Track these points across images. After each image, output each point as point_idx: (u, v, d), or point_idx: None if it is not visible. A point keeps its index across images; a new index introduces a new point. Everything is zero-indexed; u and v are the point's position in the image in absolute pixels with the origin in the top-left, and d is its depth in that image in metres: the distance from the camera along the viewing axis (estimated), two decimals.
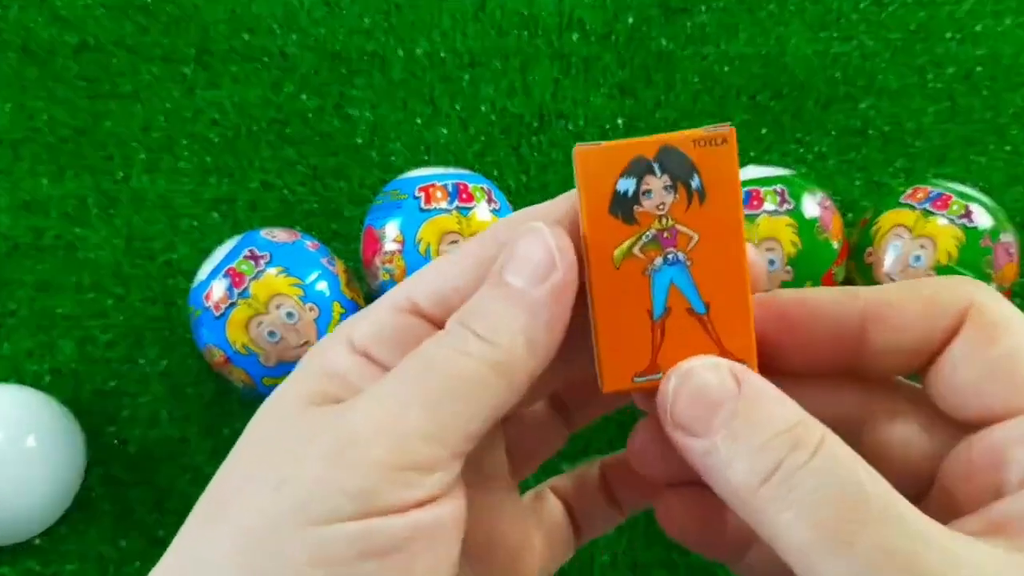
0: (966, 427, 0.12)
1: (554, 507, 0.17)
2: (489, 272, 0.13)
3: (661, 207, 0.13)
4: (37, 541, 0.31)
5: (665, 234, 0.13)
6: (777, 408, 0.12)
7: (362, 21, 0.38)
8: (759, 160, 0.37)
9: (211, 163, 0.36)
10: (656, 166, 0.13)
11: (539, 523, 0.16)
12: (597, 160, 0.13)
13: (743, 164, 0.35)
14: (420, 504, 0.11)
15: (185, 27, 0.38)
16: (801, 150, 0.37)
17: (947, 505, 0.12)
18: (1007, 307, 0.12)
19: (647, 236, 0.13)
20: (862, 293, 0.13)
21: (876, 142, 0.37)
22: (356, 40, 0.38)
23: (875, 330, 0.13)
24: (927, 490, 0.13)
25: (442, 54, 0.38)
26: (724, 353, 0.13)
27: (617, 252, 0.13)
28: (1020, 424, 0.11)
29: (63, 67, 0.37)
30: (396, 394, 0.12)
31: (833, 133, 0.37)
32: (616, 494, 0.17)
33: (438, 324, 0.13)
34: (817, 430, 0.11)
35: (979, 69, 0.38)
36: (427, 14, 0.38)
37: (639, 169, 0.13)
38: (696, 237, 0.13)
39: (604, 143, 0.13)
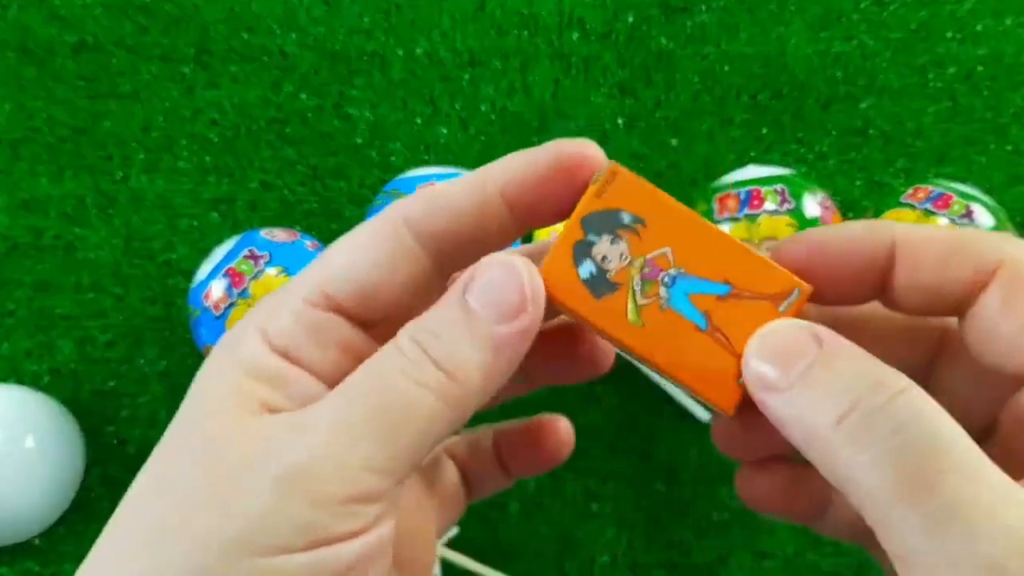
0: (1015, 380, 0.12)
1: (450, 472, 0.18)
2: (449, 286, 0.13)
3: (623, 257, 0.13)
4: (36, 541, 0.31)
5: (646, 270, 0.13)
6: (858, 358, 0.12)
7: (362, 20, 0.38)
8: (759, 160, 0.36)
9: (210, 163, 0.36)
10: (591, 237, 0.13)
11: (435, 490, 0.17)
12: (554, 277, 0.13)
13: (744, 163, 0.35)
14: (366, 530, 0.12)
15: (184, 27, 0.38)
16: (802, 150, 0.37)
17: (1007, 458, 0.12)
18: None
19: (636, 284, 0.13)
20: (897, 228, 0.13)
21: (877, 142, 0.37)
22: (356, 39, 0.38)
23: (900, 265, 0.13)
24: (986, 440, 0.13)
25: (442, 54, 0.38)
26: (777, 298, 0.13)
27: (631, 316, 0.13)
28: (987, 307, 0.11)
29: (62, 67, 0.37)
30: (347, 421, 0.12)
31: (834, 133, 0.37)
32: (507, 462, 0.18)
33: (355, 319, 0.13)
34: (900, 378, 0.11)
35: (980, 69, 0.38)
36: (427, 13, 0.38)
37: (583, 251, 0.13)
38: (668, 249, 0.13)
39: (543, 261, 0.13)
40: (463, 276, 0.13)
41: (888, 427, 0.11)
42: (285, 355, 0.13)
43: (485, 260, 0.13)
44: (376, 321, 0.13)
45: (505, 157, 0.13)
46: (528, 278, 0.13)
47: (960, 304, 0.12)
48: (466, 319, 0.12)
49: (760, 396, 0.12)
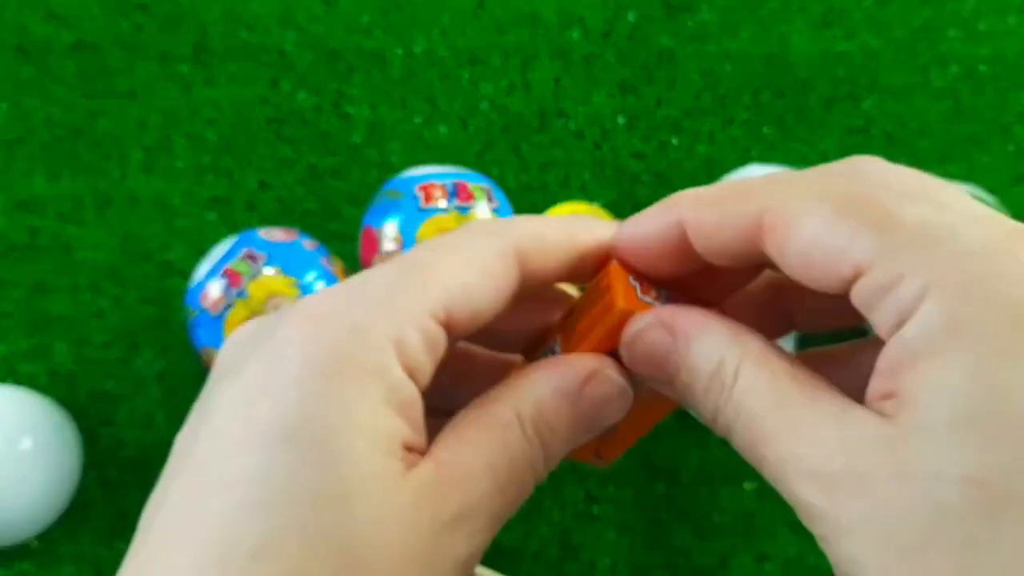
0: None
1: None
2: (566, 377, 0.13)
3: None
4: (33, 543, 0.31)
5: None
6: (704, 346, 0.13)
7: (360, 19, 0.38)
8: (762, 159, 0.36)
9: (208, 162, 0.36)
10: None
11: None
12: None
13: (746, 163, 0.35)
14: None
15: (182, 25, 0.37)
16: (804, 149, 0.37)
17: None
18: (800, 203, 0.12)
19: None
20: (683, 206, 0.14)
21: (879, 141, 0.37)
22: (354, 38, 0.37)
23: (694, 238, 0.14)
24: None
25: (441, 52, 0.37)
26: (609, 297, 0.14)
27: None
28: (861, 290, 0.12)
29: (59, 66, 0.37)
30: (498, 516, 0.13)
31: (836, 132, 0.37)
32: None
33: (452, 333, 0.13)
34: (733, 359, 0.13)
35: (983, 68, 0.38)
36: (426, 11, 0.38)
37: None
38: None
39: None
40: (581, 369, 0.14)
41: (733, 412, 0.13)
42: (412, 375, 0.12)
43: (603, 374, 0.14)
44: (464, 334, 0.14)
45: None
46: (628, 389, 0.14)
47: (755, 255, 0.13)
48: (575, 419, 0.13)
49: (658, 388, 0.14)
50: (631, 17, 0.38)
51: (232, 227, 0.35)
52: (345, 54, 0.37)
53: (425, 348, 0.12)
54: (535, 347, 0.16)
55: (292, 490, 0.10)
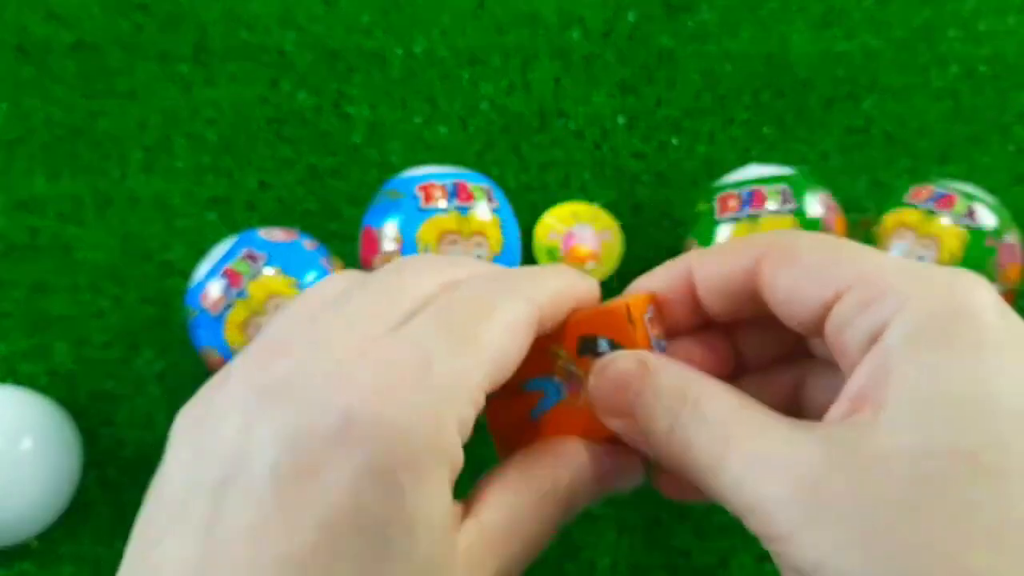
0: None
1: None
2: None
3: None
4: (33, 543, 0.31)
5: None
6: (671, 372, 0.14)
7: (360, 19, 0.38)
8: (761, 159, 0.36)
9: (208, 162, 0.36)
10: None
11: None
12: None
13: (746, 163, 0.35)
14: None
15: (182, 25, 0.37)
16: (804, 149, 0.37)
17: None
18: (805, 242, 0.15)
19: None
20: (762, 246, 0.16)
21: (879, 141, 0.37)
22: (354, 38, 0.38)
23: (699, 285, 0.16)
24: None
25: (441, 52, 0.37)
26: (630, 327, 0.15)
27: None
28: (839, 310, 0.13)
29: (59, 66, 0.37)
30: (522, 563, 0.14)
31: (836, 132, 0.37)
32: None
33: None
34: (696, 382, 0.14)
35: (983, 68, 0.38)
36: (426, 11, 0.38)
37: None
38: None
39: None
40: (615, 470, 0.16)
41: (693, 433, 0.14)
42: (462, 437, 0.13)
43: (636, 464, 0.16)
44: None
45: (639, 280, 0.16)
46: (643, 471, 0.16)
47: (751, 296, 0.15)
48: (599, 493, 0.15)
49: (613, 425, 0.15)
50: (631, 17, 0.38)
51: (232, 227, 0.35)
52: (345, 54, 0.37)
53: (475, 416, 0.13)
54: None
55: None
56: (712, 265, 0.15)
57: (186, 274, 0.34)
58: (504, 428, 0.16)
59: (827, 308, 0.13)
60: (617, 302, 0.15)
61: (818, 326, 0.14)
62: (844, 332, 0.13)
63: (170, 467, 0.13)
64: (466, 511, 0.14)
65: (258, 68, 0.37)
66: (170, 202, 0.35)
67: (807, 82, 0.37)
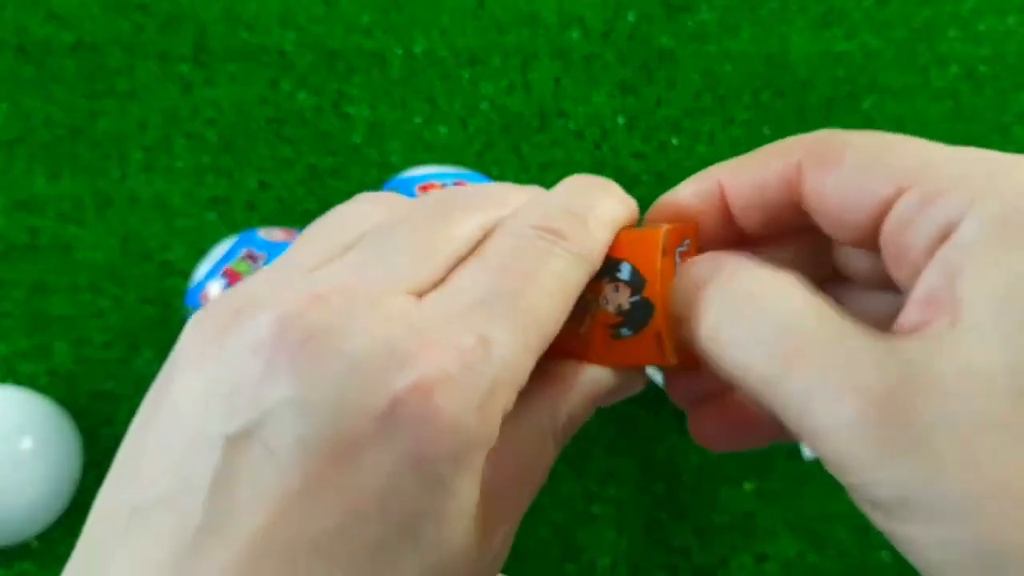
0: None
1: None
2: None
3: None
4: (33, 543, 0.31)
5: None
6: (745, 277, 0.12)
7: (360, 19, 0.38)
8: None
9: (208, 162, 0.36)
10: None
11: None
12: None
13: None
14: None
15: (182, 25, 0.37)
16: None
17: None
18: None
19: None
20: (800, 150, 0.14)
21: None
22: (354, 38, 0.38)
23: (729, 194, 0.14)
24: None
25: (441, 52, 0.37)
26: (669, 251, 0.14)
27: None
28: (900, 208, 0.11)
29: (59, 66, 0.37)
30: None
31: None
32: None
33: None
34: (785, 274, 0.12)
35: (983, 68, 0.38)
36: (426, 11, 0.38)
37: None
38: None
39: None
40: (610, 391, 0.14)
41: (756, 326, 0.12)
42: None
43: (630, 388, 0.15)
44: None
45: (666, 194, 0.15)
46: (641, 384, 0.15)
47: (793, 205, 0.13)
48: (595, 405, 0.14)
49: (685, 333, 0.13)
50: (631, 17, 0.38)
51: (232, 227, 0.35)
52: (345, 54, 0.37)
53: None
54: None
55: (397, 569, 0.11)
56: (746, 175, 0.13)
57: (186, 274, 0.34)
58: None
59: (885, 208, 0.11)
60: (654, 228, 0.13)
61: (872, 233, 0.12)
62: (906, 232, 0.11)
63: (174, 389, 0.11)
64: None
65: (258, 68, 0.37)
66: (170, 202, 0.35)
67: (807, 82, 0.37)
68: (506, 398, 0.11)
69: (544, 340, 0.12)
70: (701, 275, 0.13)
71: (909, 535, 0.10)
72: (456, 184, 0.30)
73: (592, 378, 0.14)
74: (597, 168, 0.36)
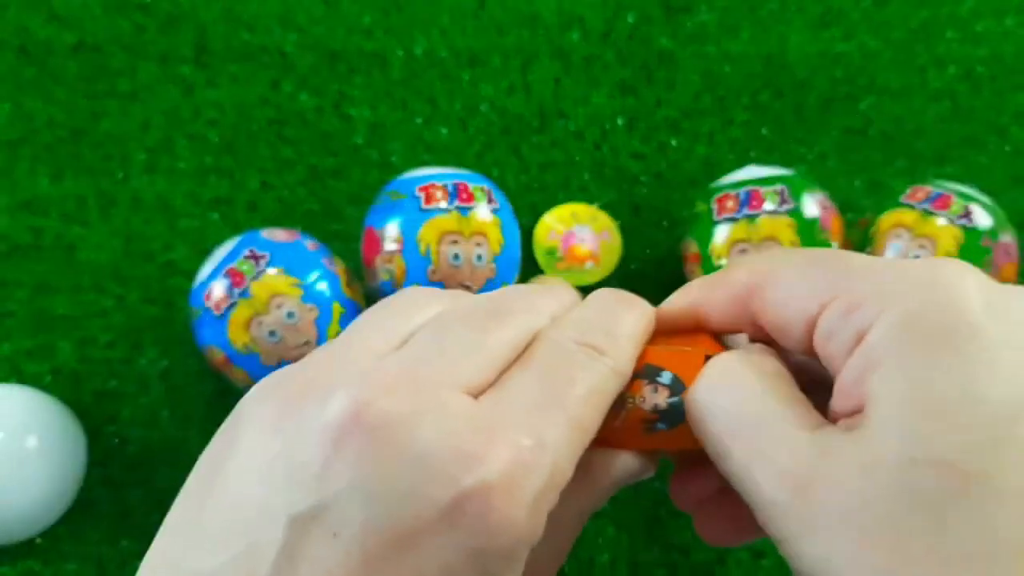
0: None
1: None
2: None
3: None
4: (37, 541, 0.31)
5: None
6: (720, 361, 0.15)
7: (361, 20, 0.38)
8: (760, 160, 0.36)
9: (210, 163, 0.36)
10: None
11: None
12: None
13: (745, 163, 0.35)
14: None
15: (183, 26, 0.38)
16: (802, 149, 0.37)
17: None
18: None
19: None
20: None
21: (877, 142, 0.37)
22: (355, 39, 0.38)
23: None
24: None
25: (442, 53, 0.38)
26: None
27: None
28: (824, 321, 0.13)
29: (61, 67, 0.37)
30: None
31: (834, 133, 0.37)
32: None
33: None
34: (736, 365, 0.14)
35: (980, 69, 0.38)
36: (426, 12, 0.38)
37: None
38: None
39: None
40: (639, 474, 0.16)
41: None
42: None
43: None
44: None
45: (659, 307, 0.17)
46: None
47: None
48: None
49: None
50: (630, 18, 0.38)
51: (234, 227, 0.35)
52: (346, 55, 0.37)
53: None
54: None
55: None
56: (716, 299, 0.15)
57: (189, 274, 0.34)
58: None
59: (812, 323, 0.13)
60: (694, 348, 0.15)
61: (808, 343, 0.14)
62: (830, 342, 0.13)
63: (240, 457, 0.12)
64: None
65: (259, 69, 0.37)
66: (173, 203, 0.35)
67: (805, 83, 0.37)
68: (554, 497, 0.12)
69: (586, 443, 0.13)
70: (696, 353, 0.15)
71: None
72: (457, 185, 0.31)
73: (623, 465, 0.16)
74: (597, 168, 0.36)
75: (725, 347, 0.16)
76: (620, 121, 0.37)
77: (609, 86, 0.37)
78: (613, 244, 0.34)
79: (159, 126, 0.36)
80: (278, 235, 0.30)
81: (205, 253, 0.31)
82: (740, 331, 0.16)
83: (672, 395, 0.15)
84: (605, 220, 0.35)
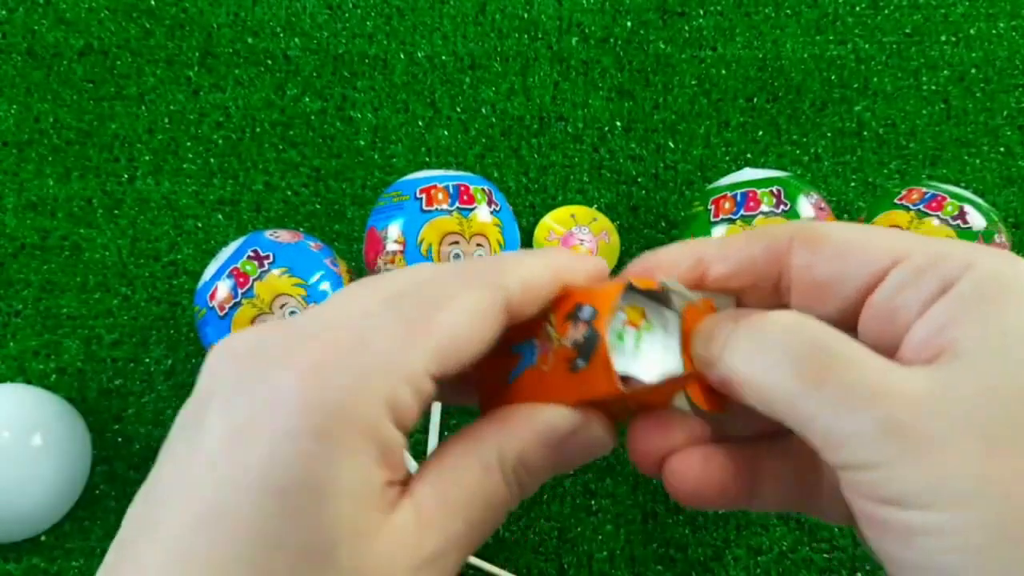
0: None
1: None
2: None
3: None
4: (43, 538, 0.31)
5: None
6: (771, 314, 0.14)
7: (364, 25, 0.39)
8: (755, 162, 0.37)
9: (215, 165, 0.36)
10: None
11: None
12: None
13: (740, 167, 0.36)
14: None
15: (189, 30, 0.38)
16: (797, 152, 0.37)
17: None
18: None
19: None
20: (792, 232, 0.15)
21: (871, 144, 0.37)
22: (358, 43, 0.38)
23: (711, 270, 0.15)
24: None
25: (443, 57, 0.38)
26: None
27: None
28: (898, 274, 0.13)
29: (68, 70, 0.37)
30: (465, 548, 0.13)
31: (828, 135, 0.37)
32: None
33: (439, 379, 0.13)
34: (791, 313, 0.14)
35: (973, 71, 0.38)
36: (428, 17, 0.39)
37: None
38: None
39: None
40: (568, 422, 0.14)
41: (785, 344, 0.13)
42: (401, 425, 0.13)
43: (589, 430, 0.14)
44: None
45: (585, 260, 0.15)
46: (610, 440, 0.15)
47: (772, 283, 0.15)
48: (555, 465, 0.14)
49: (706, 370, 0.14)
50: (628, 23, 0.39)
51: (239, 228, 0.35)
52: (349, 59, 0.38)
53: (416, 401, 0.13)
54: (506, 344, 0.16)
55: (282, 544, 0.11)
56: (733, 251, 0.15)
57: (193, 274, 0.34)
58: (486, 391, 0.16)
59: (877, 278, 0.13)
60: (620, 280, 0.15)
61: (856, 302, 0.13)
62: (901, 294, 0.13)
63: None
64: (405, 490, 0.13)
65: (264, 73, 0.38)
66: (178, 204, 0.36)
67: (800, 86, 0.38)
68: (388, 390, 0.12)
69: (443, 350, 0.13)
70: (729, 316, 0.14)
71: (911, 523, 0.11)
72: (458, 186, 0.31)
73: (545, 419, 0.14)
74: (595, 170, 0.37)
75: (715, 308, 0.15)
76: (618, 124, 0.37)
77: (607, 90, 0.38)
78: (612, 245, 0.35)
79: (165, 128, 0.37)
80: (282, 236, 0.30)
81: (210, 253, 0.31)
82: (738, 289, 0.15)
83: (587, 327, 0.14)
84: (604, 221, 0.35)
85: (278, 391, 0.12)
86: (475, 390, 0.16)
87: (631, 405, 0.15)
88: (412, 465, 0.28)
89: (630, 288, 0.15)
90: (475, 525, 0.13)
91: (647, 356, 0.14)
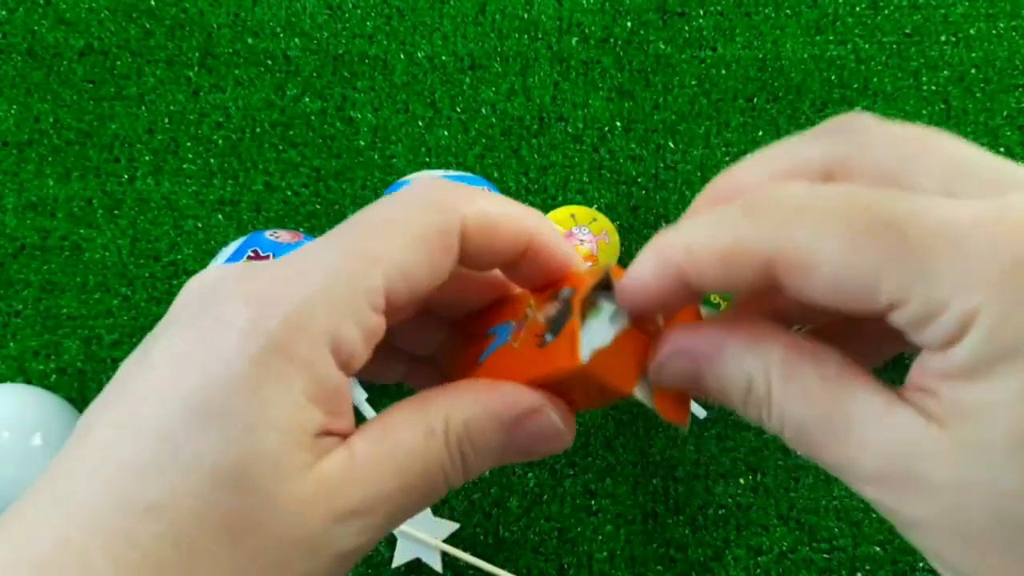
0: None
1: None
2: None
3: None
4: None
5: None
6: (729, 368, 0.13)
7: (364, 25, 0.39)
8: None
9: (215, 165, 0.36)
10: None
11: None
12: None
13: None
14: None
15: (189, 31, 0.38)
16: None
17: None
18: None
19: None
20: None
21: None
22: (358, 44, 0.38)
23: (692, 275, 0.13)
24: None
25: (443, 57, 0.38)
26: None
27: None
28: (902, 315, 0.11)
29: (68, 70, 0.37)
30: (397, 513, 0.13)
31: None
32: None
33: (389, 315, 0.13)
34: (760, 375, 0.13)
35: (973, 72, 0.38)
36: (428, 18, 0.39)
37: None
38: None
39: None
40: (523, 402, 0.13)
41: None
42: (345, 365, 0.12)
43: (544, 414, 0.13)
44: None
45: (627, 273, 0.14)
46: (567, 433, 0.14)
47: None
48: (504, 446, 0.13)
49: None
50: (628, 23, 0.39)
51: (239, 228, 0.35)
52: (349, 60, 0.38)
53: (362, 339, 0.12)
54: (481, 318, 0.16)
55: (198, 463, 0.11)
56: (711, 276, 0.12)
57: (193, 274, 0.34)
58: (455, 372, 0.15)
59: (883, 313, 0.11)
60: (603, 266, 0.14)
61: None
62: (914, 334, 0.11)
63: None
64: (343, 442, 0.12)
65: (264, 73, 0.38)
66: (178, 204, 0.36)
67: (800, 87, 0.38)
68: (325, 320, 0.12)
69: (388, 276, 0.12)
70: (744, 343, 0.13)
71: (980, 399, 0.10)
72: None
73: (500, 393, 0.13)
74: (595, 171, 0.37)
75: (700, 316, 0.14)
76: (618, 124, 0.37)
77: (607, 90, 0.38)
78: (612, 245, 0.35)
79: (165, 129, 0.37)
80: (282, 236, 0.31)
81: (210, 254, 0.32)
82: (729, 290, 0.13)
83: (564, 304, 0.13)
84: (604, 221, 0.35)
85: (223, 319, 0.12)
86: (442, 368, 0.16)
87: (592, 391, 0.14)
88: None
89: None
90: (408, 491, 0.13)
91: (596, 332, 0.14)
